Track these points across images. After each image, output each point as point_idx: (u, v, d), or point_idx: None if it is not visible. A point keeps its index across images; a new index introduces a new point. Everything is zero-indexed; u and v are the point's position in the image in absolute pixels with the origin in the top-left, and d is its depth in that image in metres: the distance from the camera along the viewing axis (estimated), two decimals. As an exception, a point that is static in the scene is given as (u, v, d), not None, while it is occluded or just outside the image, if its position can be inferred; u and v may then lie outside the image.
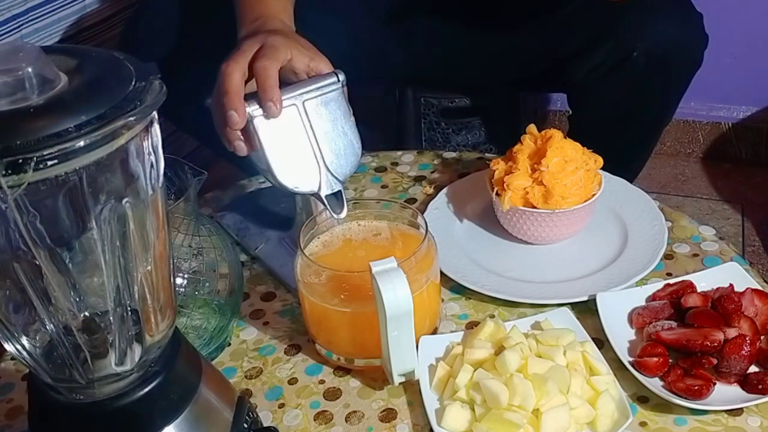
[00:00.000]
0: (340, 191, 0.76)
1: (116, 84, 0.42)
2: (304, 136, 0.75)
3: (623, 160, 1.10)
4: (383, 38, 1.14)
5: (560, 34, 1.05)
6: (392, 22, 1.13)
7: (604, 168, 0.88)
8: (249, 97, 0.74)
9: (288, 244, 0.89)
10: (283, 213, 0.92)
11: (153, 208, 0.47)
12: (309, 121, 0.75)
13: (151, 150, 0.45)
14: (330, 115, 0.76)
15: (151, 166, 0.45)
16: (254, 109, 0.73)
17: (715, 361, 0.69)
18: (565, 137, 0.86)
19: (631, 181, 0.97)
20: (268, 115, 0.73)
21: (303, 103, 0.75)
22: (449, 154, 1.09)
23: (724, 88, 1.74)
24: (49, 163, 0.38)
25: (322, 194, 0.75)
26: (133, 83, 0.43)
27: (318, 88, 0.76)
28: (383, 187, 1.03)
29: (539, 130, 0.89)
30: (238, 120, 0.71)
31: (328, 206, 0.75)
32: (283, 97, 0.73)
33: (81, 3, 1.33)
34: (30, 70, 0.41)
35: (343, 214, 0.75)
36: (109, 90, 0.42)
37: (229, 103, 0.71)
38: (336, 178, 0.76)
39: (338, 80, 0.76)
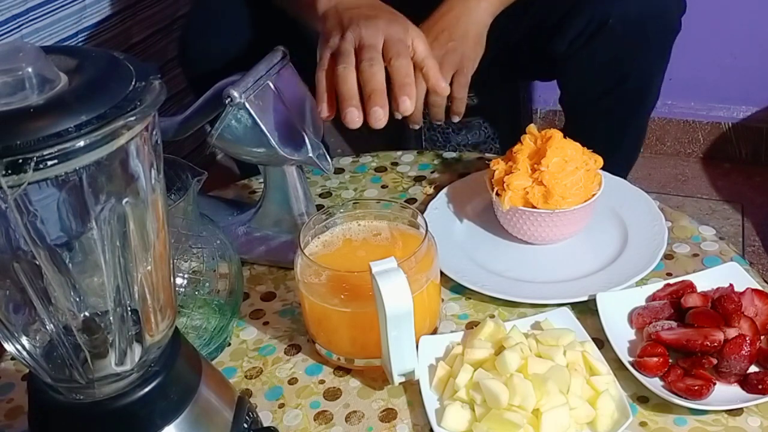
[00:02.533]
0: (323, 150, 0.83)
1: (116, 84, 0.42)
2: (283, 110, 0.81)
3: (615, 147, 1.11)
4: None
5: (537, 11, 1.07)
6: None
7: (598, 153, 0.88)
8: (237, 82, 0.77)
9: (254, 230, 0.92)
10: (222, 210, 0.96)
11: (153, 208, 0.47)
12: (282, 95, 0.81)
13: (151, 150, 0.45)
14: (292, 86, 0.84)
15: (151, 165, 0.45)
16: (244, 93, 0.77)
17: (715, 361, 0.69)
18: (564, 137, 0.86)
19: (626, 174, 0.98)
20: (401, 114, 0.76)
21: (272, 81, 0.81)
22: (449, 154, 1.09)
23: (724, 88, 1.74)
24: (49, 163, 0.38)
25: (313, 156, 0.81)
26: (132, 83, 0.43)
27: (277, 65, 0.82)
28: (383, 187, 1.03)
29: (539, 131, 0.88)
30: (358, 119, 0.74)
31: (320, 165, 0.82)
32: (257, 80, 0.79)
33: (81, 3, 1.33)
34: (30, 70, 0.40)
35: (331, 169, 0.85)
36: (109, 90, 0.42)
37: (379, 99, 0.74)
38: (315, 140, 0.83)
39: (286, 54, 0.84)
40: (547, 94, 1.89)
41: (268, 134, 0.78)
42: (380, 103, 0.73)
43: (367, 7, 0.81)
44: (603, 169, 0.87)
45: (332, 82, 0.76)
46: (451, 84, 0.95)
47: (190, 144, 1.47)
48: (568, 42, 1.03)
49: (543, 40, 1.07)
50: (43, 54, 0.42)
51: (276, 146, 0.79)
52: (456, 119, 1.00)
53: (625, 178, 1.08)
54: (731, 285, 0.76)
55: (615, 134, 1.13)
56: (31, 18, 1.23)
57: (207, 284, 0.74)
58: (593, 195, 0.85)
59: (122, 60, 0.45)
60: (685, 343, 0.70)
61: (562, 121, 1.86)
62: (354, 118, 0.73)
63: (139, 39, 1.48)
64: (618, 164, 1.07)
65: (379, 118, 0.73)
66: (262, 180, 0.89)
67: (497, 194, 0.86)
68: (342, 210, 0.77)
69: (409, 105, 0.75)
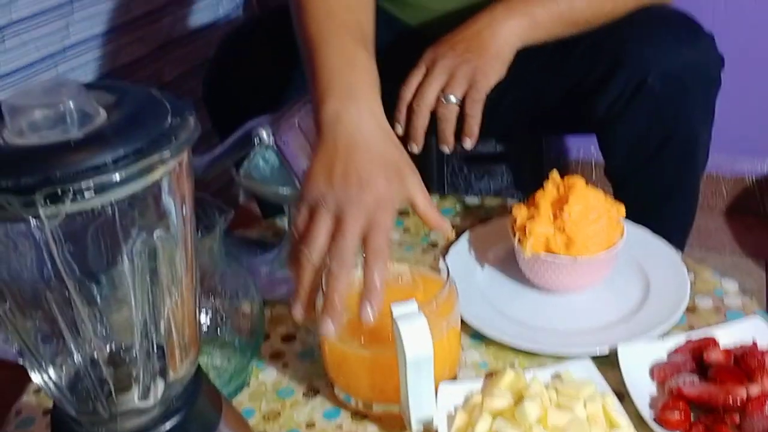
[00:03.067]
0: None
1: (153, 119, 0.43)
2: (309, 150, 0.80)
3: (669, 213, 1.09)
4: None
5: (573, 71, 1.06)
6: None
7: (654, 223, 0.88)
8: (265, 122, 0.79)
9: (276, 270, 0.91)
10: (246, 250, 0.95)
11: (183, 244, 0.48)
12: (308, 136, 0.81)
13: (183, 185, 0.46)
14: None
15: (183, 201, 0.46)
16: (272, 134, 0.78)
17: (737, 419, 0.68)
18: (587, 185, 0.86)
19: (684, 241, 0.95)
20: (365, 320, 0.68)
21: (299, 122, 0.81)
22: (471, 200, 1.09)
23: (748, 141, 1.74)
24: (86, 194, 0.39)
25: None
26: (168, 119, 0.44)
27: (304, 106, 0.82)
28: (405, 230, 1.04)
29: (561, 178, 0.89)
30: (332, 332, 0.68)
31: None
32: (285, 121, 0.79)
33: (115, 42, 1.37)
34: (71, 104, 0.42)
35: None
36: (146, 125, 0.43)
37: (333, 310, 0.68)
38: None
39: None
40: (569, 144, 1.90)
41: (294, 175, 0.79)
42: (333, 315, 0.67)
43: (367, 154, 0.71)
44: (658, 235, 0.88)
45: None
46: (463, 101, 0.93)
47: (215, 184, 1.49)
48: (607, 104, 1.01)
49: (579, 100, 1.05)
50: (84, 89, 0.43)
51: (302, 187, 0.80)
52: (468, 144, 0.94)
53: (684, 245, 1.06)
54: (754, 341, 0.75)
55: (668, 200, 1.09)
56: (67, 56, 1.26)
57: (229, 323, 0.74)
58: (615, 244, 0.85)
59: (159, 96, 0.46)
60: (707, 399, 0.69)
61: (584, 170, 1.87)
62: (296, 315, 0.69)
63: (170, 78, 1.51)
64: (675, 229, 1.03)
65: (327, 330, 0.68)
66: (285, 220, 0.90)
67: (519, 240, 0.86)
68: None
69: (369, 315, 0.67)
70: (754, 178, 1.78)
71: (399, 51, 0.88)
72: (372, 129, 0.73)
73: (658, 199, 1.08)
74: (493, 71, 0.93)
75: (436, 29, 0.99)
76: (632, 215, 0.89)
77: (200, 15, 1.60)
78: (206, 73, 1.13)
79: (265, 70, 1.05)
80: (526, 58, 0.99)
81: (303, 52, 0.79)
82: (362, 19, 0.82)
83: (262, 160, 0.79)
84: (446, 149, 0.96)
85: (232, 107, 1.04)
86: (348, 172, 0.70)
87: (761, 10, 1.62)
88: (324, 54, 0.76)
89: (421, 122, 0.91)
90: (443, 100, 0.92)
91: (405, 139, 0.93)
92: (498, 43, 0.93)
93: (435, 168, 1.44)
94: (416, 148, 0.93)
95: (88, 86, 0.44)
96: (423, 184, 0.75)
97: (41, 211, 0.38)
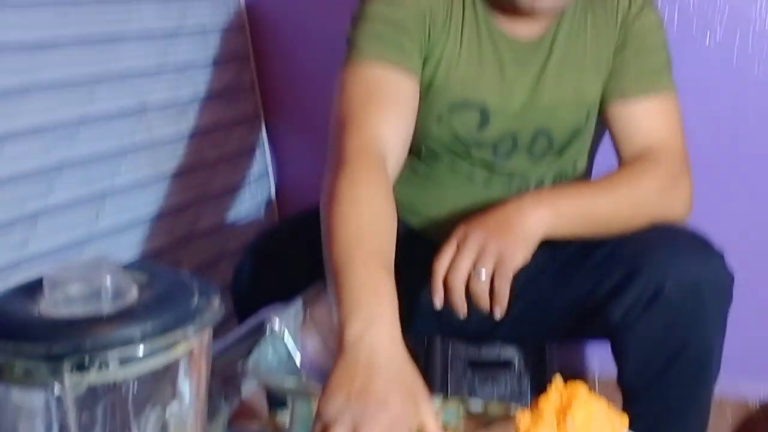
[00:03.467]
0: None
1: (180, 299, 0.46)
2: (318, 344, 0.83)
3: (679, 422, 1.07)
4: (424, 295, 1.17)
5: (590, 278, 1.08)
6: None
7: None
8: (278, 312, 0.81)
9: None
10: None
11: (192, 425, 0.49)
12: (318, 329, 0.84)
13: (200, 366, 0.48)
14: (328, 321, 0.84)
15: (198, 381, 0.48)
16: (284, 325, 0.81)
17: None
18: (590, 392, 0.87)
19: None
20: None
21: (310, 311, 0.85)
22: (475, 404, 1.08)
23: (749, 365, 1.73)
24: (111, 365, 0.41)
25: None
26: (195, 300, 0.47)
27: (317, 298, 0.86)
28: None
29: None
30: None
31: None
32: (297, 313, 0.82)
33: (140, 232, 1.43)
34: (107, 282, 0.45)
35: None
36: (173, 304, 0.46)
37: None
38: None
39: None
40: (575, 358, 1.90)
41: (301, 367, 0.81)
42: None
43: (385, 376, 0.74)
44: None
45: None
46: (492, 276, 0.94)
47: (221, 374, 1.49)
48: (623, 311, 1.02)
49: (593, 306, 1.06)
50: (120, 269, 0.47)
51: (307, 379, 0.81)
52: (498, 314, 0.96)
53: None
54: None
55: (679, 412, 1.08)
56: (93, 243, 1.32)
57: None
58: (620, 456, 0.84)
59: (187, 278, 0.49)
60: None
61: (586, 382, 1.84)
62: None
63: (189, 268, 1.55)
64: None
65: None
66: (288, 415, 0.90)
67: (522, 448, 0.85)
68: None
69: None
70: (758, 404, 1.75)
71: (402, 250, 0.92)
72: (391, 353, 0.78)
73: (670, 410, 1.06)
74: (519, 252, 0.97)
75: (437, 232, 1.04)
76: (643, 425, 0.88)
77: (222, 212, 1.68)
78: (238, 267, 1.17)
79: (294, 269, 1.09)
80: (544, 264, 1.03)
81: (329, 271, 0.84)
82: (386, 244, 0.88)
83: (272, 350, 0.81)
84: (483, 311, 0.97)
85: (260, 301, 1.07)
86: (366, 390, 0.73)
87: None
88: (349, 279, 0.81)
89: (460, 296, 0.94)
90: (474, 273, 0.95)
91: (447, 311, 0.96)
92: (524, 228, 0.98)
93: (439, 371, 1.44)
94: (462, 315, 0.95)
95: (125, 266, 0.47)
96: (435, 410, 0.78)
97: (67, 379, 0.39)
